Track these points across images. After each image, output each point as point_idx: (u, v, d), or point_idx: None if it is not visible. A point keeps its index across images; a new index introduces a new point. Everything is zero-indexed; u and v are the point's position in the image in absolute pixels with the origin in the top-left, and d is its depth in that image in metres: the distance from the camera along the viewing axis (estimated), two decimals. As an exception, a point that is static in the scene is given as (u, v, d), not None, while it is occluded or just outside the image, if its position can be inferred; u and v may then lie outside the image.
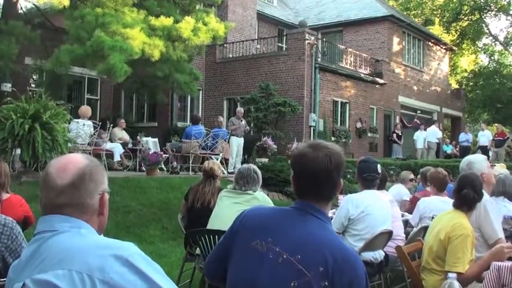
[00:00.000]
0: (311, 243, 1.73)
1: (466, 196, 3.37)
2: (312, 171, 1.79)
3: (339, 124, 18.01)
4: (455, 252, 3.17)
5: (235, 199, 4.25)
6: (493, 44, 34.58)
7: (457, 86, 31.60)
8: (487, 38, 34.20)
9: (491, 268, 2.99)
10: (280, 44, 19.71)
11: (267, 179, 10.33)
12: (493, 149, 18.05)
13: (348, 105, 18.43)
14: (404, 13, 30.19)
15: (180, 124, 16.99)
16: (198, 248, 4.43)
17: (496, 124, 25.36)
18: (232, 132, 12.80)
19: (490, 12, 31.99)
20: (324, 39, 18.88)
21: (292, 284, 1.69)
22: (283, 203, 9.57)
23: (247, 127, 13.50)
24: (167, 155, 11.96)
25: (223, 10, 17.98)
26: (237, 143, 12.82)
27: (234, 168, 12.41)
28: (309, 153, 1.81)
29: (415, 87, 22.79)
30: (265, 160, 12.97)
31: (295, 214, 1.83)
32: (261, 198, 4.25)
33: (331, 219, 4.27)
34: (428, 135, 19.16)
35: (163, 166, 11.98)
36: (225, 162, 12.57)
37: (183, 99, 17.73)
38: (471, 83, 32.10)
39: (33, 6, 13.05)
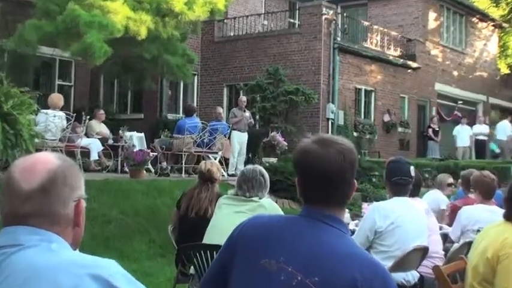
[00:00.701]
0: (330, 259, 1.73)
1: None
2: (322, 171, 1.81)
3: (362, 117, 18.04)
4: (506, 274, 3.10)
5: (237, 207, 4.28)
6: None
7: (507, 71, 31.42)
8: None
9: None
10: (291, 20, 19.73)
11: (275, 183, 10.23)
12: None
13: (373, 93, 18.45)
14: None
15: (170, 116, 17.04)
16: (192, 267, 4.45)
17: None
18: (234, 126, 12.86)
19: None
20: (345, 14, 18.96)
21: None
22: (296, 212, 9.52)
23: (252, 120, 13.55)
24: (155, 154, 12.00)
25: (223, -22, 18.04)
26: (240, 139, 12.89)
27: (235, 169, 12.47)
28: (318, 150, 1.82)
29: (455, 73, 22.75)
30: (273, 160, 12.98)
31: (304, 223, 1.85)
32: (269, 207, 4.29)
33: (353, 233, 4.27)
34: (499, 131, 19.06)
35: (150, 167, 12.07)
36: (225, 162, 12.62)
37: (175, 86, 17.79)
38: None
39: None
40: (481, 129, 19.49)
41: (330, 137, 1.89)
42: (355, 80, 17.55)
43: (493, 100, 25.22)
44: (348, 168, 1.82)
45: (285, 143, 13.54)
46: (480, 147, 19.62)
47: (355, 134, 16.97)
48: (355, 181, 1.88)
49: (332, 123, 16.39)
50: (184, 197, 5.24)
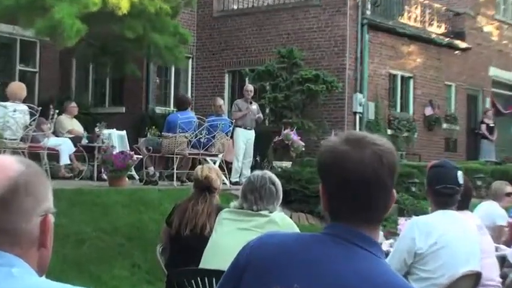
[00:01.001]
0: None
1: None
2: (356, 178, 1.80)
3: (398, 109, 18.02)
4: None
5: (242, 224, 4.31)
6: None
7: None
8: None
9: None
10: (309, -11, 19.71)
11: (289, 193, 10.23)
12: None
13: (411, 81, 18.41)
14: None
15: (159, 110, 17.09)
16: (186, 297, 4.45)
17: None
18: (238, 122, 12.85)
19: None
20: (376, -18, 18.90)
21: None
22: (315, 229, 9.60)
23: (260, 114, 13.53)
24: (140, 156, 11.98)
25: None
26: (245, 139, 12.91)
27: (240, 176, 12.52)
28: (349, 152, 1.82)
29: (514, 55, 22.67)
30: (286, 164, 12.96)
31: (328, 244, 1.84)
32: (281, 222, 4.31)
33: (387, 255, 4.27)
34: None
35: (134, 173, 12.08)
36: (226, 167, 12.57)
37: (164, 72, 17.81)
38: None
39: None
40: None
41: (363, 135, 1.88)
42: (389, 64, 17.49)
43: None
44: (387, 174, 1.81)
45: (302, 143, 13.45)
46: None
47: (389, 131, 16.89)
48: (394, 191, 1.87)
49: (360, 118, 16.36)
50: (177, 211, 5.26)
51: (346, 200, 1.82)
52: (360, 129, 15.74)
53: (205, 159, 11.86)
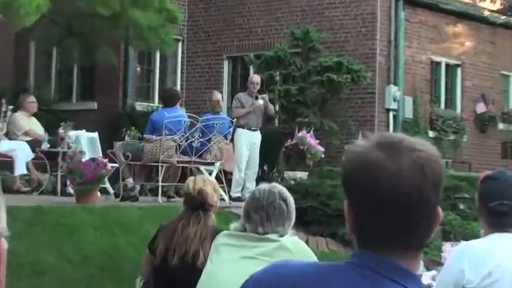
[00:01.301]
0: None
1: None
2: (392, 194, 1.78)
3: (442, 106, 18.09)
4: None
5: (245, 251, 4.30)
6: None
7: None
8: None
9: None
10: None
11: (305, 212, 10.25)
12: None
13: (459, 70, 18.45)
14: None
15: (140, 106, 17.13)
16: None
17: None
18: (240, 121, 12.90)
19: None
20: None
21: None
22: (337, 257, 9.52)
23: (272, 108, 13.60)
24: (116, 165, 12.00)
25: None
26: (249, 142, 12.95)
27: (242, 190, 12.57)
28: (384, 160, 1.79)
29: None
30: (302, 175, 12.93)
31: (355, 277, 1.82)
32: (294, 249, 4.28)
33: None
34: None
35: (108, 186, 12.10)
36: (225, 178, 12.61)
37: (147, 59, 17.85)
38: None
39: None
40: None
41: (400, 138, 1.84)
42: (430, 48, 17.52)
43: None
44: (431, 188, 1.78)
45: (321, 149, 13.41)
46: None
47: (430, 133, 16.94)
48: (440, 209, 1.84)
49: (394, 116, 16.46)
50: (162, 234, 5.28)
51: (379, 220, 1.80)
52: (394, 130, 15.67)
53: (198, 169, 11.96)
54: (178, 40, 17.41)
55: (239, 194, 12.35)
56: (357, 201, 1.83)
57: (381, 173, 1.77)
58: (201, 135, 12.04)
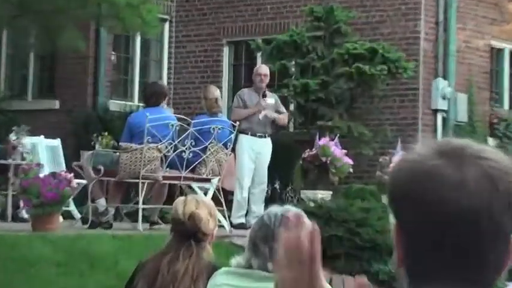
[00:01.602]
0: None
1: None
2: (453, 214, 1.70)
3: (505, 105, 18.05)
4: None
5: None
6: None
7: None
8: None
9: None
10: None
11: (329, 243, 10.19)
12: None
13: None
14: None
15: (115, 105, 17.15)
16: None
17: None
18: (243, 125, 12.74)
19: None
20: None
21: None
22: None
23: (283, 109, 13.49)
24: (84, 182, 12.07)
25: None
26: (254, 152, 12.88)
27: (247, 214, 12.53)
28: (444, 168, 1.71)
29: None
30: (324, 195, 12.55)
31: None
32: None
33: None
34: None
35: (73, 208, 12.24)
36: (225, 199, 12.33)
37: (125, 44, 18.00)
38: None
39: None
40: None
41: (464, 145, 1.76)
42: (490, 31, 17.30)
43: None
44: (504, 208, 1.70)
45: (349, 161, 13.12)
46: None
47: (490, 140, 16.65)
48: None
49: (444, 119, 16.33)
50: (143, 272, 5.25)
51: (438, 249, 1.71)
52: (443, 137, 15.41)
53: (190, 187, 12.14)
54: (164, 20, 17.27)
55: (242, 220, 12.28)
56: (409, 221, 1.77)
57: (442, 183, 1.73)
58: (193, 143, 11.93)
